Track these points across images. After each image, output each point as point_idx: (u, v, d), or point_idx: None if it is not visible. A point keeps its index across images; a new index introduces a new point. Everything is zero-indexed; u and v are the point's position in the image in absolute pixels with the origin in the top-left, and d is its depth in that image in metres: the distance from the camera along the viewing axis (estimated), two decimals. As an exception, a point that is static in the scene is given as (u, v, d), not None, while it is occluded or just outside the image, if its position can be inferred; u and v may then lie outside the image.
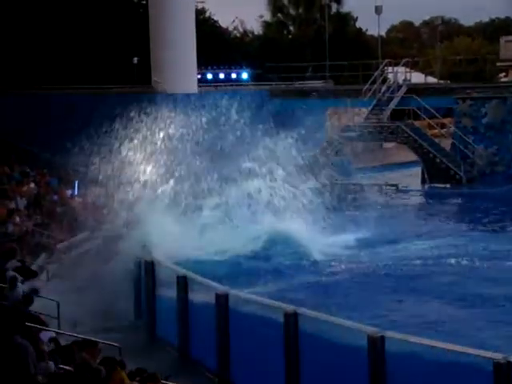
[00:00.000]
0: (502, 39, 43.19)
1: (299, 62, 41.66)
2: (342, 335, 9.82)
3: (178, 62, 32.11)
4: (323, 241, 19.39)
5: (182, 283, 13.42)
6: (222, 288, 12.56)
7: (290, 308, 10.73)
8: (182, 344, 13.50)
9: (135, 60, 34.35)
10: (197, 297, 13.25)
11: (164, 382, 9.37)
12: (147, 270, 15.02)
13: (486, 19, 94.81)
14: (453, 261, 18.11)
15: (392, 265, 17.96)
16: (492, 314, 14.31)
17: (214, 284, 12.93)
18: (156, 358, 12.76)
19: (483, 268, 17.61)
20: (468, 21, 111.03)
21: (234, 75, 37.06)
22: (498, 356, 8.27)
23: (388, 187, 30.74)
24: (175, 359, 13.31)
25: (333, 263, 18.01)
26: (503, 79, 46.85)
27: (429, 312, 14.54)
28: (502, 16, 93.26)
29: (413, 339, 9.08)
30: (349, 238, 19.93)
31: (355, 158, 34.67)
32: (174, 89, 32.19)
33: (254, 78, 37.59)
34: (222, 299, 12.05)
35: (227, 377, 12.09)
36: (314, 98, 34.45)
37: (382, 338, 9.11)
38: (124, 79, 33.53)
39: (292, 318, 10.48)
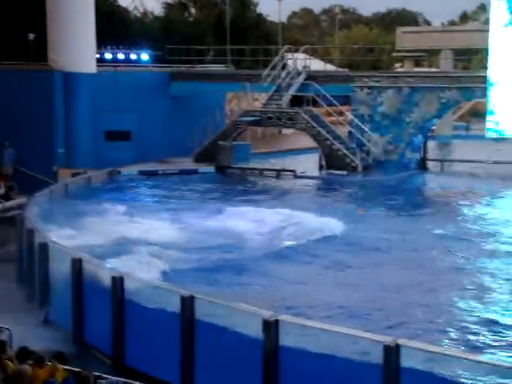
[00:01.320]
0: (399, 30, 44.20)
1: (200, 45, 41.46)
2: (237, 320, 9.86)
3: (76, 40, 31.41)
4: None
5: (77, 266, 13.19)
6: (117, 271, 12.42)
7: (187, 292, 10.71)
8: (76, 328, 13.28)
9: (31, 36, 33.32)
10: (91, 280, 13.05)
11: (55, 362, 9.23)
12: (41, 253, 14.70)
13: (383, 10, 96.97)
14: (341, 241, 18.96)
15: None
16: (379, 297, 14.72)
17: (110, 267, 12.77)
18: (47, 341, 12.50)
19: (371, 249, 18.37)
20: (366, 11, 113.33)
21: (133, 56, 36.49)
22: (388, 339, 8.47)
23: (286, 173, 31.07)
24: (69, 343, 13.08)
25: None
26: (399, 69, 48.06)
27: (323, 295, 14.83)
28: (399, 7, 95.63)
29: (308, 323, 9.21)
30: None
31: (254, 143, 34.94)
32: (71, 68, 31.50)
33: (155, 59, 37.17)
34: (118, 282, 11.92)
35: (122, 361, 11.98)
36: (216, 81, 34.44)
37: (277, 322, 9.20)
38: (19, 56, 32.55)
39: (188, 302, 10.46)
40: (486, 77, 30.77)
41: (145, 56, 36.75)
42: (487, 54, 30.97)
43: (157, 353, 11.23)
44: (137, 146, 32.92)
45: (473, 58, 49.00)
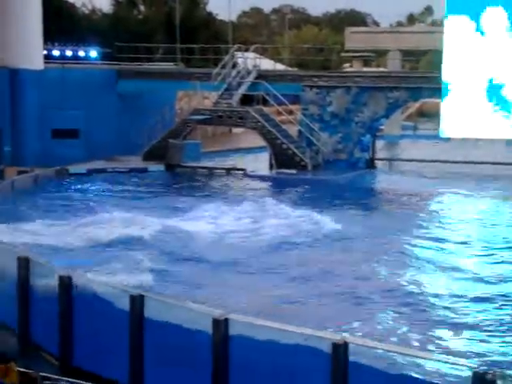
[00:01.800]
0: (347, 30, 44.57)
1: (149, 43, 41.23)
2: (187, 318, 9.82)
3: (23, 36, 30.98)
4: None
5: (24, 265, 12.98)
6: (64, 270, 12.26)
7: (136, 291, 10.63)
8: (22, 328, 13.06)
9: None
10: (39, 279, 12.86)
11: None
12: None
13: (332, 10, 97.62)
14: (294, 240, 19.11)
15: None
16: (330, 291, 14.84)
17: (57, 266, 12.60)
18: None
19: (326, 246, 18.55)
20: (316, 11, 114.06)
21: (82, 53, 36.13)
22: (336, 337, 8.53)
23: (236, 171, 31.09)
24: (14, 343, 12.87)
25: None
26: (348, 69, 48.47)
27: (274, 288, 14.91)
28: (348, 8, 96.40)
29: (258, 322, 9.22)
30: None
31: (204, 142, 34.90)
32: (17, 64, 31.04)
33: (103, 57, 36.83)
34: (65, 281, 11.76)
35: (70, 362, 11.83)
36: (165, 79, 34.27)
37: (226, 320, 9.20)
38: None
39: (138, 301, 10.38)
40: (434, 77, 31.22)
41: (93, 53, 36.44)
42: (439, 56, 31.38)
43: (105, 352, 11.13)
44: (85, 143, 32.61)
45: (420, 58, 49.73)
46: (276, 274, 16.39)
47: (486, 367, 6.70)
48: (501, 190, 27.05)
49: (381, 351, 8.09)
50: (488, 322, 13.39)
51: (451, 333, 12.91)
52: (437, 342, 12.34)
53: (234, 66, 34.08)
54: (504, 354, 11.88)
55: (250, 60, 34.88)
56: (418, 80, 31.79)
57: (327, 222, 20.83)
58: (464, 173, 30.33)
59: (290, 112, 34.80)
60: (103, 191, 27.01)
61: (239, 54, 35.58)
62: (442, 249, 18.74)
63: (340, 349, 8.29)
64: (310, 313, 13.47)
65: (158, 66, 38.76)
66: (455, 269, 16.90)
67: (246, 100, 33.79)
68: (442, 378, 7.79)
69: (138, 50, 37.55)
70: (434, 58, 31.87)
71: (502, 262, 17.58)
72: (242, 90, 32.95)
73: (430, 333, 12.76)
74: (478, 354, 11.52)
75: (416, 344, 11.94)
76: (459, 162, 32.08)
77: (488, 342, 12.46)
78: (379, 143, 35.37)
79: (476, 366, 6.90)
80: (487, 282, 15.85)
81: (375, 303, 14.38)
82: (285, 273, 16.44)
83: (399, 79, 31.93)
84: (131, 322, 10.47)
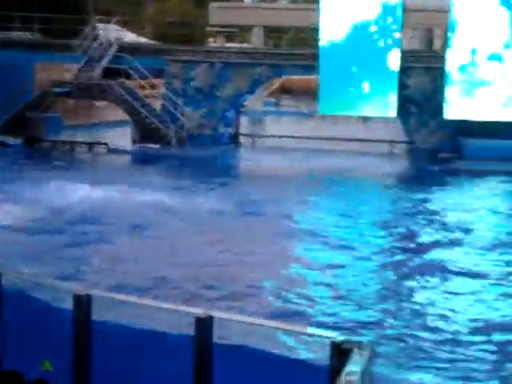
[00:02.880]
0: (211, 5, 44.41)
1: (5, 11, 39.50)
2: (48, 294, 9.53)
3: None
4: None
5: None
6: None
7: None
8: None
9: None
10: None
11: None
12: None
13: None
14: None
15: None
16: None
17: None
18: None
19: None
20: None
21: None
22: (200, 311, 8.53)
23: (98, 146, 30.50)
24: None
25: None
26: (212, 44, 48.44)
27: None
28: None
29: (120, 297, 9.08)
30: None
31: (65, 115, 33.95)
32: None
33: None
34: None
35: None
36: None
37: (88, 296, 9.00)
38: None
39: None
40: (297, 54, 31.68)
41: None
42: (303, 33, 31.79)
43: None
44: None
45: (283, 35, 50.37)
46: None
47: (343, 337, 6.87)
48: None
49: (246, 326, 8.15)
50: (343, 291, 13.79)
51: (311, 303, 13.21)
52: (298, 315, 12.58)
53: (96, 38, 33.25)
54: (364, 323, 12.28)
55: (112, 32, 34.13)
56: (281, 57, 32.19)
57: (192, 197, 20.82)
58: (327, 149, 31.14)
59: (154, 86, 34.44)
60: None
61: (101, 25, 34.74)
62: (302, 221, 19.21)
63: (204, 323, 8.29)
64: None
65: (14, 35, 37.26)
66: (312, 234, 17.54)
67: (109, 73, 33.08)
68: (307, 347, 7.94)
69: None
70: (298, 35, 32.29)
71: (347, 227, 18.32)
72: (104, 63, 32.24)
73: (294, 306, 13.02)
74: (338, 326, 11.84)
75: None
76: (322, 138, 32.85)
77: (341, 312, 12.78)
78: (243, 119, 35.66)
79: (334, 336, 7.06)
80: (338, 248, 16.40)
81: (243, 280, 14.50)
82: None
83: (262, 55, 32.23)
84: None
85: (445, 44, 31.11)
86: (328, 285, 14.14)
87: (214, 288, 13.68)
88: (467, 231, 18.48)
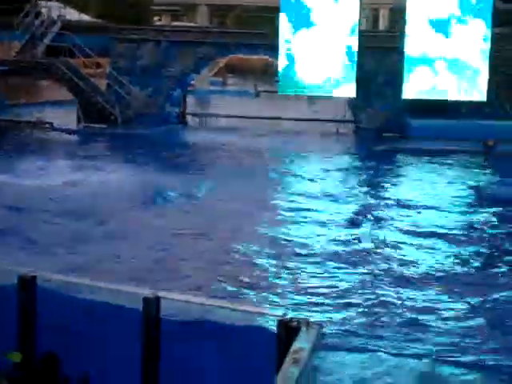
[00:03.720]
0: (157, -17, 44.01)
1: None
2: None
3: None
4: None
5: None
6: None
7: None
8: None
9: None
10: None
11: None
12: None
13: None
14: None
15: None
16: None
17: None
18: None
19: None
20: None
21: None
22: (147, 291, 8.50)
23: (43, 125, 30.01)
24: None
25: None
26: (158, 23, 47.96)
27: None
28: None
29: (67, 279, 9.01)
30: None
31: (9, 94, 33.27)
32: None
33: None
34: None
35: None
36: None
37: (34, 278, 8.90)
38: None
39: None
40: (242, 33, 31.57)
41: None
42: (248, 12, 31.67)
43: None
44: None
45: (229, 14, 50.11)
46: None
47: (291, 315, 6.92)
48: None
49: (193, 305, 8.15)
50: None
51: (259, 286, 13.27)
52: (244, 294, 12.62)
53: (38, 15, 32.60)
54: (310, 303, 12.37)
55: (55, 9, 33.50)
56: (227, 36, 32.02)
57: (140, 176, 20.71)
58: (274, 128, 31.23)
59: (99, 65, 33.95)
60: None
61: (43, 2, 34.07)
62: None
63: (151, 303, 8.27)
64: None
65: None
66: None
67: (52, 52, 32.48)
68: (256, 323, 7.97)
69: None
70: (243, 13, 32.15)
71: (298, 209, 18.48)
72: (47, 41, 31.65)
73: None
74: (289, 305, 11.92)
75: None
76: (268, 118, 32.90)
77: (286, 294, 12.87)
78: (190, 98, 35.45)
79: (282, 314, 7.10)
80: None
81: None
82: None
83: (207, 34, 32.02)
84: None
85: (398, 24, 31.24)
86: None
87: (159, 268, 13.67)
88: (409, 207, 18.85)
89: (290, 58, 30.45)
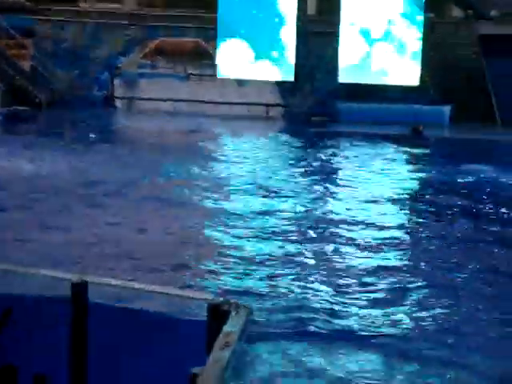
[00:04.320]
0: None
1: None
2: None
3: None
4: None
5: None
6: None
7: None
8: None
9: None
10: None
11: None
12: None
13: None
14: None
15: None
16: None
17: None
18: None
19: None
20: None
21: None
22: (75, 277, 8.34)
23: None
24: None
25: None
26: (83, 4, 46.98)
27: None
28: None
29: (10, 267, 8.77)
30: None
31: None
32: None
33: None
34: None
35: None
36: None
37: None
38: None
39: None
40: (170, 16, 31.27)
41: None
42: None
43: None
44: None
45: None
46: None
47: (221, 299, 6.86)
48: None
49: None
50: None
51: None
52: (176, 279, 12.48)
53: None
54: (242, 286, 12.32)
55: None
56: (156, 18, 31.67)
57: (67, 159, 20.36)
58: (202, 111, 31.08)
59: (23, 46, 33.10)
60: None
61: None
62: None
63: (79, 288, 8.12)
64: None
65: None
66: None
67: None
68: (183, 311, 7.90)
69: None
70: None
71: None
72: (-32, 21, 30.75)
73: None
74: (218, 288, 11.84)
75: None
76: (198, 101, 32.68)
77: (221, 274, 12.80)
78: (118, 81, 34.89)
79: (211, 298, 7.04)
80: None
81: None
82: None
83: (135, 17, 31.61)
84: None
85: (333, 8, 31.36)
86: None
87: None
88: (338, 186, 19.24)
89: (237, 41, 30.43)
